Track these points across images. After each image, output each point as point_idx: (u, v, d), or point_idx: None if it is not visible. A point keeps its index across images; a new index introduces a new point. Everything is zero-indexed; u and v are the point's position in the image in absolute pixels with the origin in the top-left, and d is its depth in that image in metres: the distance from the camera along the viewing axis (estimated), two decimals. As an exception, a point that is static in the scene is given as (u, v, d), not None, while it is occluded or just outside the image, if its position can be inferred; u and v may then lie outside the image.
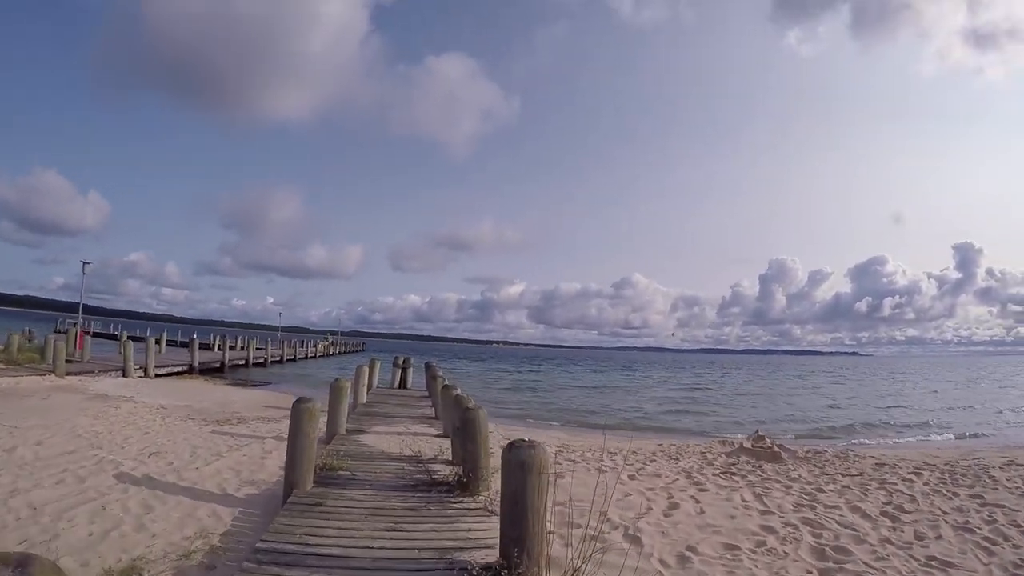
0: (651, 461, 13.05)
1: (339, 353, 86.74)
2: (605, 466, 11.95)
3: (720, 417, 26.98)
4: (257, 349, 52.52)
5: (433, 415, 16.10)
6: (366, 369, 18.95)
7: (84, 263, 32.22)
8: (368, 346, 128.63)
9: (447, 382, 15.84)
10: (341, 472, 8.92)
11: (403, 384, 26.26)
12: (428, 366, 22.34)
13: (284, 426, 14.86)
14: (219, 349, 43.80)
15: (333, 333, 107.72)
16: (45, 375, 21.57)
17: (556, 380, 52.11)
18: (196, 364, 33.43)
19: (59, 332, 43.73)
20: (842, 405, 35.62)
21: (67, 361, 27.51)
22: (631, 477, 11.10)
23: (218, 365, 37.95)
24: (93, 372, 24.44)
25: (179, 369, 31.68)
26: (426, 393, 22.28)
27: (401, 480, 8.71)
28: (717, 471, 12.43)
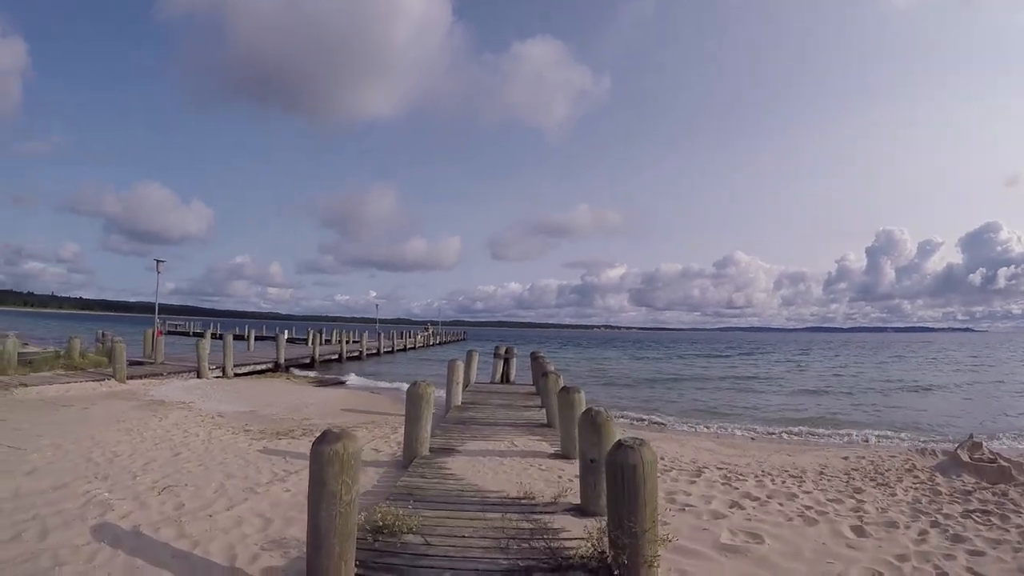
0: (858, 492, 9.21)
1: (439, 343, 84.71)
2: (805, 506, 8.26)
3: (886, 414, 22.26)
4: (353, 342, 50.42)
5: (544, 421, 12.91)
6: (461, 365, 15.89)
7: (158, 261, 30.27)
8: (469, 335, 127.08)
9: (561, 379, 12.56)
10: (408, 539, 5.62)
11: (505, 378, 23.07)
12: (535, 357, 19.07)
13: (357, 438, 11.98)
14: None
15: (434, 323, 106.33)
16: (103, 380, 19.28)
17: (673, 368, 47.31)
18: (282, 361, 31.15)
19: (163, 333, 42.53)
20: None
21: (140, 363, 25.58)
22: (857, 531, 7.37)
23: (308, 361, 35.69)
24: (162, 375, 22.16)
25: (263, 367, 29.42)
26: (532, 389, 19.01)
27: (504, 557, 5.33)
28: (959, 505, 8.62)
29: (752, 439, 15.97)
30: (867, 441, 16.23)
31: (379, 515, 5.82)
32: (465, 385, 18.88)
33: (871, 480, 10.23)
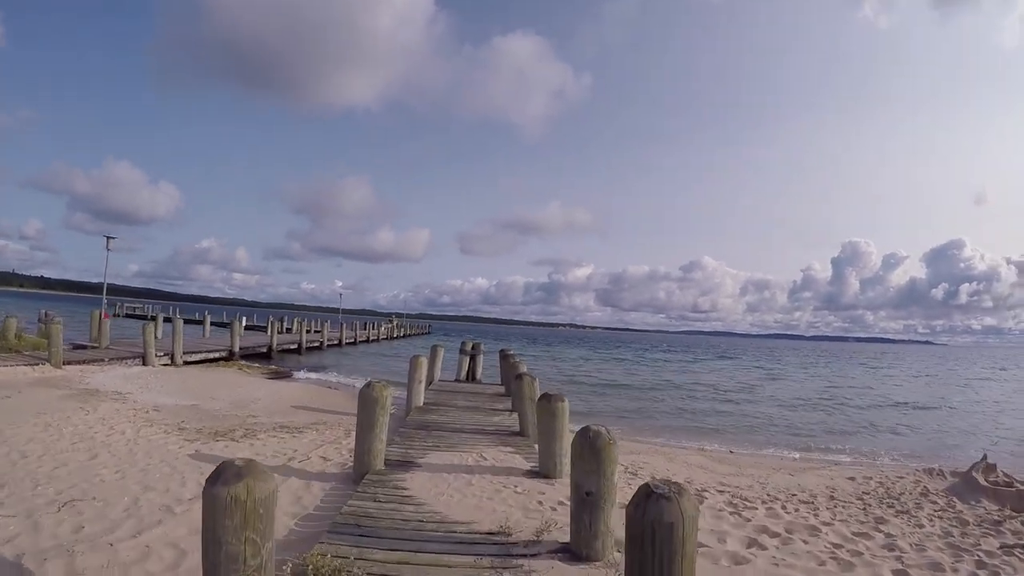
0: (881, 522, 8.01)
1: (403, 336, 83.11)
2: (834, 544, 7.04)
3: (875, 429, 21.02)
4: (314, 332, 48.84)
5: (516, 429, 11.58)
6: (424, 361, 14.44)
7: (108, 237, 28.46)
8: (434, 328, 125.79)
9: (537, 383, 11.36)
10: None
11: (471, 376, 21.79)
12: (505, 356, 17.75)
13: (303, 443, 10.41)
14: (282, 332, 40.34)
15: (399, 315, 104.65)
16: (37, 365, 17.69)
17: (646, 373, 44.76)
18: (237, 349, 29.45)
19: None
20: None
21: (83, 347, 23.95)
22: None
23: (265, 350, 34.09)
24: (104, 361, 20.54)
25: (216, 355, 27.77)
26: (501, 389, 17.75)
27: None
28: (993, 538, 7.53)
29: (743, 455, 14.77)
30: (872, 460, 15.13)
31: (311, 567, 4.46)
32: (429, 383, 17.56)
33: (888, 506, 9.18)
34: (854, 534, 7.40)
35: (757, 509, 8.27)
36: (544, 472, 8.27)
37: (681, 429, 18.93)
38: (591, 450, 5.32)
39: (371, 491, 6.91)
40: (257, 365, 28.31)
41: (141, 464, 8.57)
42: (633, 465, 11.02)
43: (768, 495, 9.37)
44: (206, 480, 3.41)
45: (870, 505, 9.19)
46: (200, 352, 26.64)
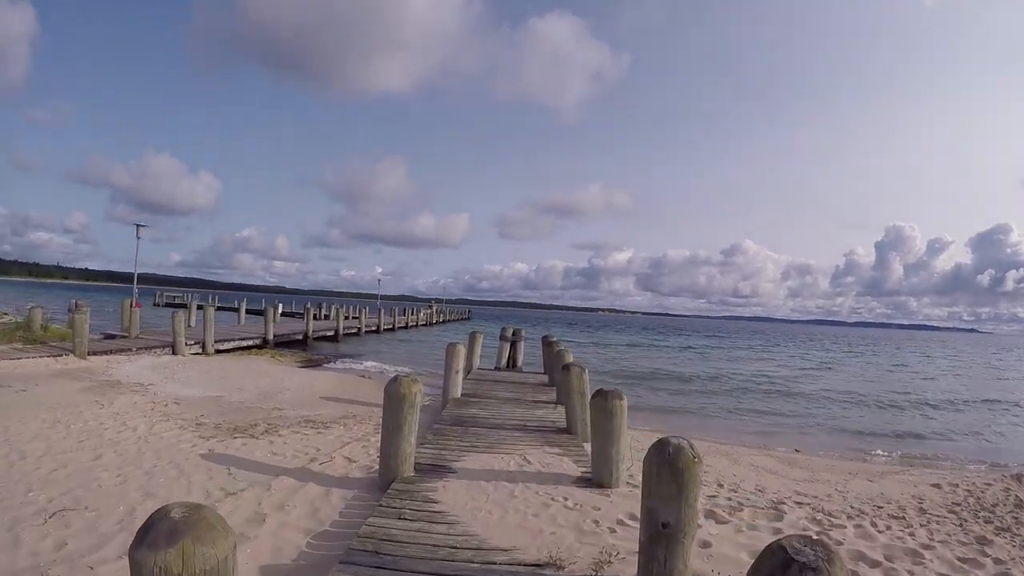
0: (985, 543, 6.71)
1: (443, 321, 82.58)
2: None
3: (945, 426, 19.44)
4: (352, 318, 48.29)
5: (563, 425, 10.50)
6: (462, 349, 13.43)
7: (138, 226, 28.03)
8: (474, 314, 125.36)
9: (586, 374, 10.32)
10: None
11: (512, 363, 20.81)
12: (548, 343, 16.69)
13: (328, 440, 9.40)
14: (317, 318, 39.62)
15: (439, 301, 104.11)
16: (62, 356, 17.09)
17: (693, 362, 42.41)
18: (271, 337, 28.79)
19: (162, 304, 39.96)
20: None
21: (112, 337, 23.39)
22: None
23: (300, 338, 33.47)
24: (132, 351, 19.89)
25: (250, 343, 27.10)
26: (544, 378, 16.76)
27: None
28: None
29: (812, 456, 13.40)
30: (951, 462, 13.96)
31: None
32: (467, 372, 16.59)
33: (985, 521, 7.95)
34: (960, 560, 6.20)
35: (845, 528, 7.05)
36: (598, 480, 7.15)
37: (737, 423, 17.79)
38: (670, 471, 4.14)
39: (397, 504, 5.90)
40: (291, 353, 27.66)
41: (147, 466, 7.71)
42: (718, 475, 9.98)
43: (852, 508, 8.17)
44: (134, 537, 2.35)
45: (966, 520, 7.96)
46: (233, 340, 25.97)
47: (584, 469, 7.77)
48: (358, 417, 12.06)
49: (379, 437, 7.09)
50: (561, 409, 11.86)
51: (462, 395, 13.12)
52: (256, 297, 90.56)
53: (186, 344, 21.60)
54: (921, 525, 7.55)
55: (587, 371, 10.49)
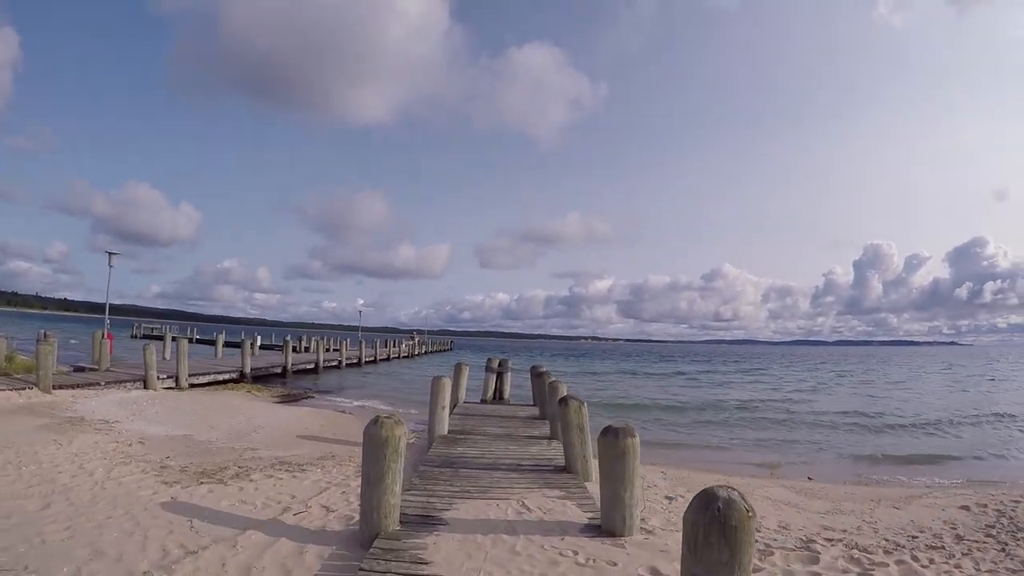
0: None
1: (425, 353, 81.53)
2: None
3: (954, 441, 19.47)
4: (333, 351, 47.26)
5: (561, 463, 9.59)
6: (447, 383, 12.46)
7: (110, 254, 26.89)
8: (456, 345, 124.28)
9: (585, 407, 9.50)
10: None
11: (499, 395, 19.95)
12: (538, 374, 15.85)
13: (304, 486, 8.45)
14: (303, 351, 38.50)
15: (420, 332, 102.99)
16: (24, 390, 16.09)
17: (682, 389, 41.12)
18: (248, 370, 27.62)
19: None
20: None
21: (82, 370, 22.36)
22: None
23: (279, 371, 32.21)
24: (100, 384, 18.89)
25: (226, 377, 26.04)
26: (534, 410, 15.94)
27: None
28: None
29: (825, 484, 12.50)
30: (969, 479, 13.49)
31: None
32: (453, 406, 15.79)
33: None
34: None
35: (889, 567, 6.32)
36: (609, 528, 6.29)
37: (742, 453, 16.94)
38: (721, 532, 3.32)
39: (381, 567, 5.03)
40: (269, 387, 26.47)
41: (100, 517, 6.83)
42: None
43: (888, 541, 7.51)
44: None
45: (1007, 544, 7.46)
46: (209, 374, 24.86)
47: (591, 515, 6.91)
48: (337, 458, 11.11)
49: (360, 481, 6.25)
50: (557, 445, 11.04)
51: (449, 432, 12.21)
52: (236, 329, 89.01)
53: (159, 378, 20.57)
54: (964, 554, 7.04)
55: (586, 404, 9.58)
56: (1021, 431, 22.12)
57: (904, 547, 7.33)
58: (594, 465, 9.52)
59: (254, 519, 7.00)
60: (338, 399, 25.19)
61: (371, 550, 5.51)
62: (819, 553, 6.69)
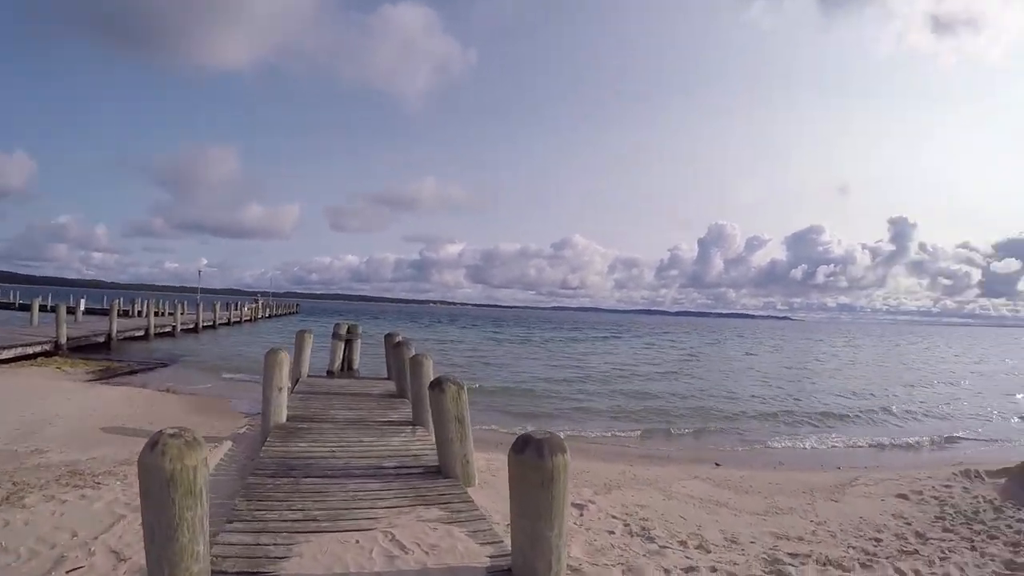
0: (1016, 568, 5.75)
1: (269, 316, 77.34)
2: None
3: (848, 417, 19.14)
4: (168, 314, 43.35)
5: (434, 462, 7.44)
6: (285, 357, 9.79)
7: None
8: (303, 308, 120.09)
9: (464, 392, 7.57)
10: None
11: (348, 366, 17.73)
12: (396, 344, 13.67)
13: (93, 512, 5.55)
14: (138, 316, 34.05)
15: (265, 295, 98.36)
16: None
17: (545, 356, 39.29)
18: (64, 341, 23.69)
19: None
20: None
21: None
22: None
23: (103, 340, 28.35)
24: None
25: (38, 349, 22.22)
26: (390, 384, 13.90)
27: None
28: None
29: (738, 472, 11.13)
30: (878, 461, 13.26)
31: None
32: (295, 382, 13.55)
33: (989, 536, 6.99)
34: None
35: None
36: (523, 571, 4.33)
37: (637, 432, 15.43)
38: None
39: None
40: (90, 360, 22.75)
41: None
42: (628, 512, 7.50)
43: (855, 549, 6.39)
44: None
45: (973, 540, 6.78)
46: (15, 347, 20.75)
47: (493, 551, 4.91)
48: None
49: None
50: (423, 433, 9.05)
51: (289, 419, 9.67)
52: (68, 293, 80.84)
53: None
54: (941, 559, 6.18)
55: (466, 389, 7.51)
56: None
57: (877, 556, 6.19)
58: (479, 466, 7.75)
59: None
60: (165, 373, 21.91)
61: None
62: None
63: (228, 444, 9.58)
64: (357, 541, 5.02)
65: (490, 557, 4.83)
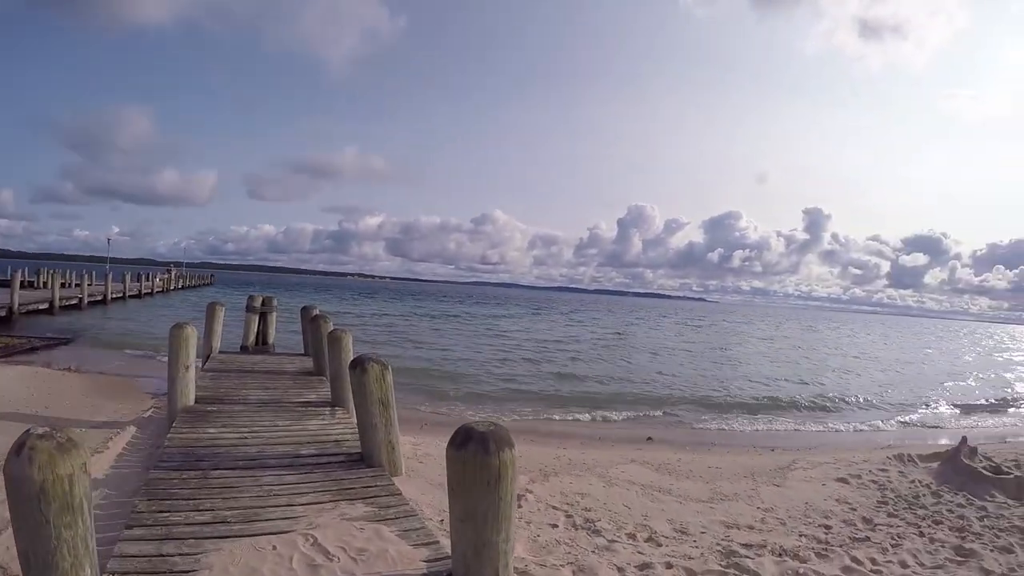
0: (966, 556, 5.85)
1: (182, 288, 74.62)
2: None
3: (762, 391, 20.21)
4: (75, 286, 41.20)
5: (357, 449, 6.86)
6: (192, 333, 8.92)
7: None
8: (218, 279, 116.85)
9: (389, 373, 6.95)
10: None
11: (262, 340, 16.76)
12: (314, 318, 12.85)
13: None
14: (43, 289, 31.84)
15: (178, 265, 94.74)
16: None
17: (485, 335, 38.42)
18: (-47, 317, 22.21)
19: None
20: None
21: None
22: None
23: (4, 313, 26.50)
24: None
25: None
26: (307, 361, 13.17)
27: None
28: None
29: (673, 448, 11.35)
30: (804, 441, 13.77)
31: None
32: (206, 358, 12.71)
33: (934, 522, 7.01)
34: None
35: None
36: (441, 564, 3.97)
37: (568, 414, 15.19)
38: None
39: None
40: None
41: None
42: (569, 502, 7.09)
43: (807, 537, 6.24)
44: None
45: (919, 525, 6.82)
46: None
47: (429, 553, 4.35)
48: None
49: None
50: (343, 415, 8.45)
51: (198, 400, 8.86)
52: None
53: None
54: (892, 545, 6.06)
55: (390, 369, 6.89)
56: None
57: (831, 544, 6.00)
58: (405, 452, 7.19)
59: None
60: (69, 350, 20.38)
61: None
62: (749, 568, 5.10)
63: (132, 430, 8.73)
64: (274, 547, 4.37)
65: (426, 562, 4.26)
